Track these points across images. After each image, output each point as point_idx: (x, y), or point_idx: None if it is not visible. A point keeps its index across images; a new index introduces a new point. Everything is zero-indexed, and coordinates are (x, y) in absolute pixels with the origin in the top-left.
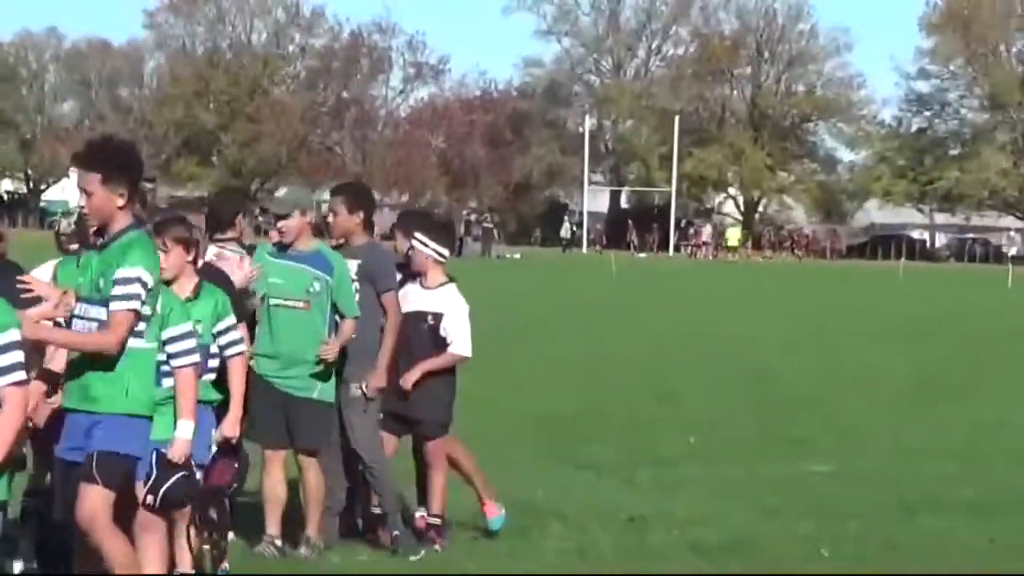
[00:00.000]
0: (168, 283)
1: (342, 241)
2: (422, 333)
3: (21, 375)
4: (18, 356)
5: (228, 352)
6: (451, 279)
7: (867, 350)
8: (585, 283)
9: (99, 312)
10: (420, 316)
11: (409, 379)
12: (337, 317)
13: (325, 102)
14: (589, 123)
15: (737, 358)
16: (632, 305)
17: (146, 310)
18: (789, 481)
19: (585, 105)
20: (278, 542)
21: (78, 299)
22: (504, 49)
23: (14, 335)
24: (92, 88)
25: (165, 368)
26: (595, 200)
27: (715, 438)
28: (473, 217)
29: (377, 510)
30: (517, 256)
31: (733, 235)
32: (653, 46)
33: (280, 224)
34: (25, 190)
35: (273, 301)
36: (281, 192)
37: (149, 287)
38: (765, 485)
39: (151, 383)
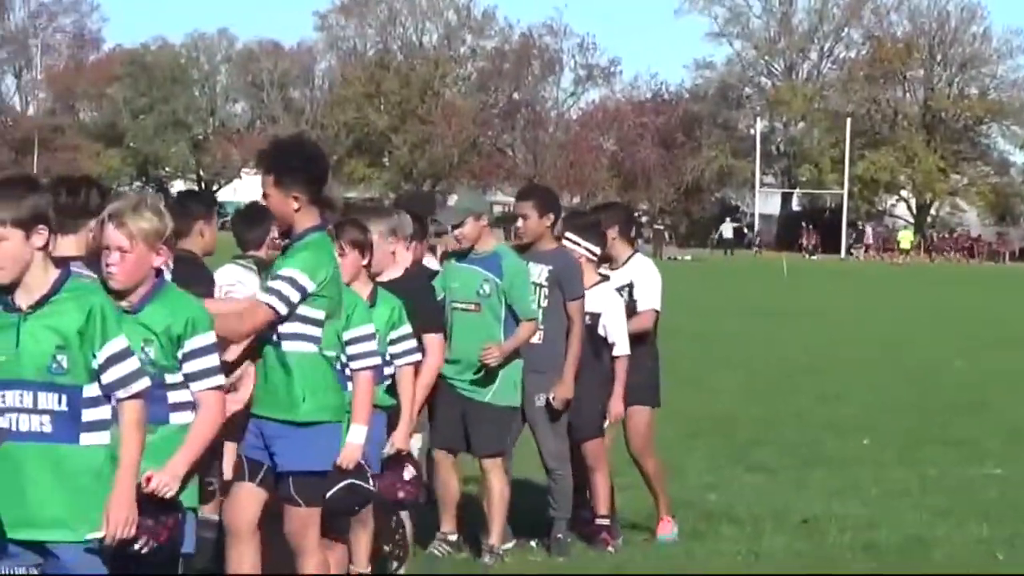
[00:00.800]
0: None
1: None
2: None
3: (220, 379)
4: (214, 360)
5: (400, 361)
6: (605, 278)
7: None
8: (756, 285)
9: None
10: None
11: (618, 412)
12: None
13: (496, 104)
14: (761, 125)
15: (907, 360)
16: (803, 307)
17: (316, 314)
18: (960, 483)
19: (757, 107)
20: (452, 537)
21: None
22: (675, 51)
23: (211, 337)
24: (263, 89)
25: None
26: (766, 202)
27: (885, 439)
28: (644, 219)
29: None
30: (688, 258)
31: (905, 237)
32: (825, 48)
33: (456, 233)
34: (197, 191)
35: (452, 305)
36: (451, 201)
37: (308, 291)
38: (936, 487)
39: (330, 389)
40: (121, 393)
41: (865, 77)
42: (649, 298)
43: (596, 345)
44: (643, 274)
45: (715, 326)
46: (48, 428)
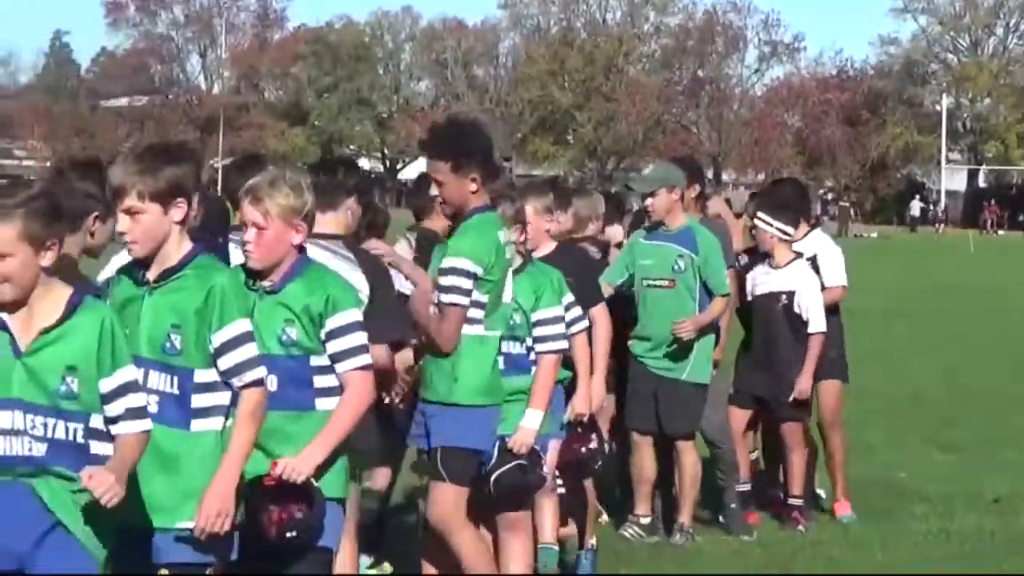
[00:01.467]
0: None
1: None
2: (776, 313)
3: (366, 359)
4: (359, 339)
5: (571, 330)
6: (799, 255)
7: None
8: (943, 262)
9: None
10: (773, 297)
11: (805, 388)
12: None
13: (680, 81)
14: (946, 101)
15: None
16: (991, 284)
17: (480, 296)
18: None
19: (942, 83)
20: (645, 520)
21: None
22: (860, 27)
23: (355, 315)
24: (447, 67)
25: (531, 356)
26: (952, 179)
27: None
28: (830, 196)
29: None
30: (874, 235)
31: None
32: (1011, 23)
33: (647, 202)
34: (381, 169)
35: (645, 282)
36: (647, 170)
37: (478, 275)
38: None
39: (488, 372)
40: (236, 381)
41: None
42: (835, 274)
43: (795, 324)
44: (825, 249)
45: (903, 303)
46: (154, 408)
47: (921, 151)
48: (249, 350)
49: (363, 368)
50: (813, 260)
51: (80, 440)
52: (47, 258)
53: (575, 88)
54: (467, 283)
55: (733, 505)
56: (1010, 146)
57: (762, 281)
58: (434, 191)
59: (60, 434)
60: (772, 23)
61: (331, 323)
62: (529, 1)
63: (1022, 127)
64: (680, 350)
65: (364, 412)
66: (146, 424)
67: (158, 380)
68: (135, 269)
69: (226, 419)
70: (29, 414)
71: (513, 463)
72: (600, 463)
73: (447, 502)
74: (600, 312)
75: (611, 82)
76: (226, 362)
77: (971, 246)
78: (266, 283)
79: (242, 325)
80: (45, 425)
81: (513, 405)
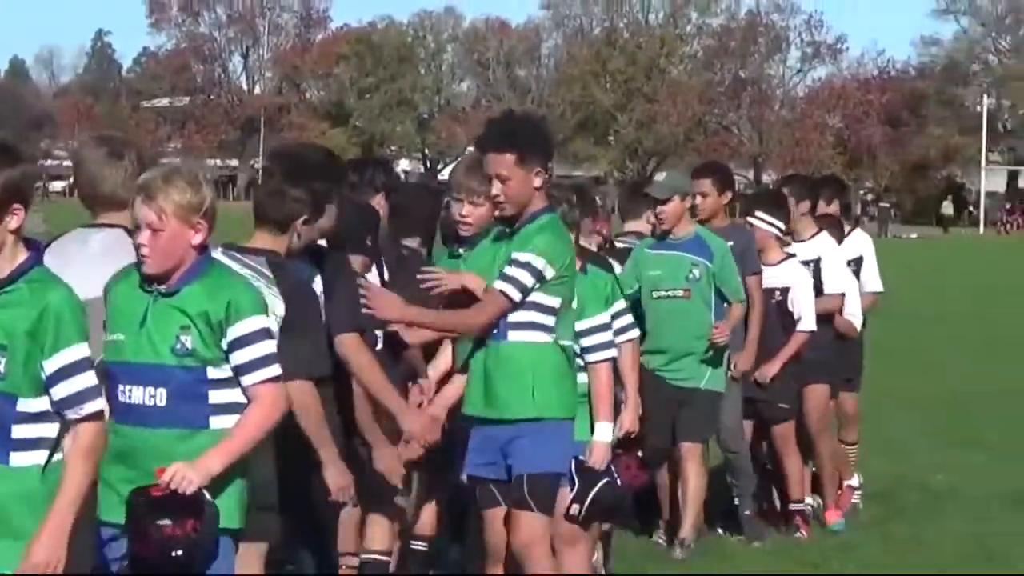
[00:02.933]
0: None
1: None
2: (770, 310)
3: (275, 370)
4: (267, 347)
5: (619, 339)
6: (791, 255)
7: None
8: (980, 263)
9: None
10: (767, 293)
11: (768, 372)
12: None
13: (722, 82)
14: (987, 102)
15: None
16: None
17: (551, 301)
18: None
19: (983, 84)
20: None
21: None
22: (901, 28)
23: (263, 322)
24: (489, 68)
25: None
26: (992, 180)
27: None
28: (870, 197)
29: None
30: (914, 236)
31: None
32: None
33: (659, 209)
34: (422, 169)
35: (654, 294)
36: (661, 176)
37: (546, 277)
38: None
39: (565, 382)
40: (72, 413)
41: None
42: (837, 282)
43: (787, 321)
44: (830, 255)
45: (940, 305)
46: None
47: (961, 152)
48: (88, 378)
49: (272, 380)
50: (816, 261)
51: None
52: None
53: (617, 89)
54: (529, 280)
55: (747, 512)
56: None
57: None
58: (495, 189)
59: None
60: (815, 24)
61: (233, 331)
62: (571, 1)
63: None
64: (705, 360)
65: (270, 430)
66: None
67: None
68: None
69: (51, 454)
70: None
71: (603, 482)
72: (647, 481)
73: (533, 532)
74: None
75: (653, 83)
76: (61, 391)
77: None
78: (162, 287)
79: (80, 350)
80: None
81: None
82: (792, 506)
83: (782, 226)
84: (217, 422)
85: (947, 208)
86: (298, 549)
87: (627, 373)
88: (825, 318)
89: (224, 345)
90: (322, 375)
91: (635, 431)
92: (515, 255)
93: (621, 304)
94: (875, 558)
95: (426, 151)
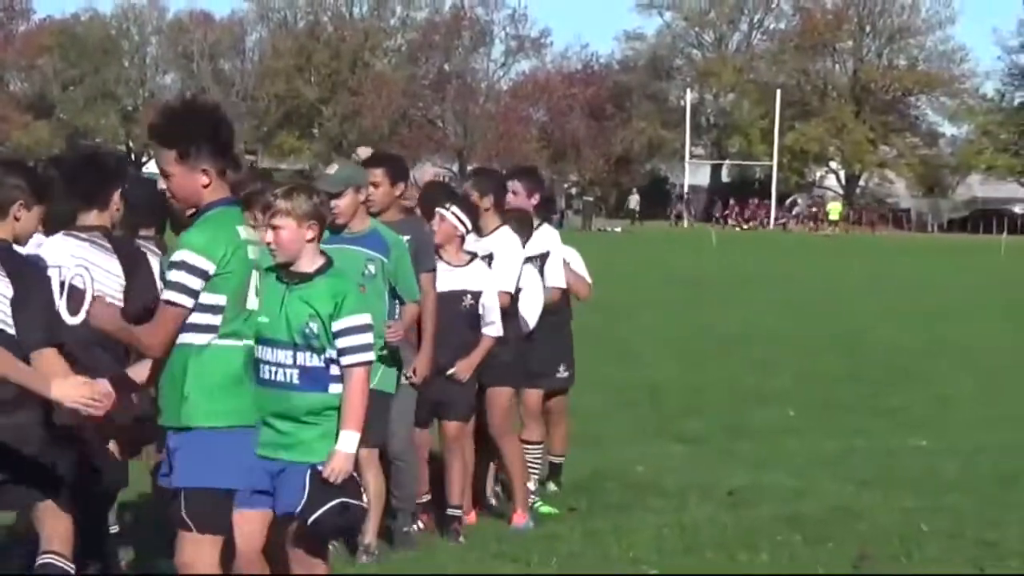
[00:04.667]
0: (286, 266)
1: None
2: (461, 314)
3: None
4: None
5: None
6: (474, 255)
7: (966, 325)
8: (685, 256)
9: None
10: (456, 296)
11: (464, 373)
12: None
13: (427, 75)
14: (691, 96)
15: (835, 330)
16: (732, 278)
17: (214, 299)
18: (887, 453)
19: (687, 79)
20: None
21: None
22: (605, 22)
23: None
24: (194, 60)
25: (334, 371)
26: (696, 174)
27: (812, 410)
28: (574, 191)
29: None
30: (618, 230)
31: (835, 209)
32: (755, 20)
33: (332, 204)
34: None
35: None
36: (331, 169)
37: (209, 273)
38: (863, 458)
39: (230, 386)
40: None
41: (795, 48)
42: (506, 279)
43: (477, 326)
44: (505, 250)
45: (642, 296)
46: None
47: (665, 146)
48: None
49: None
50: (489, 257)
51: None
52: None
53: (321, 82)
54: (188, 279)
55: (405, 529)
56: (753, 141)
57: (443, 279)
58: (161, 184)
59: None
60: (519, 18)
61: None
62: None
63: (765, 123)
64: (378, 358)
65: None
66: None
67: None
68: None
69: None
70: None
71: (333, 502)
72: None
73: (196, 553)
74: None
75: (357, 76)
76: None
77: (713, 239)
78: None
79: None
80: None
81: (311, 428)
82: (450, 511)
83: (469, 225)
84: None
85: (633, 202)
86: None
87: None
88: (507, 317)
89: None
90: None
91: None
92: (172, 257)
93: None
94: (579, 550)
95: (131, 144)
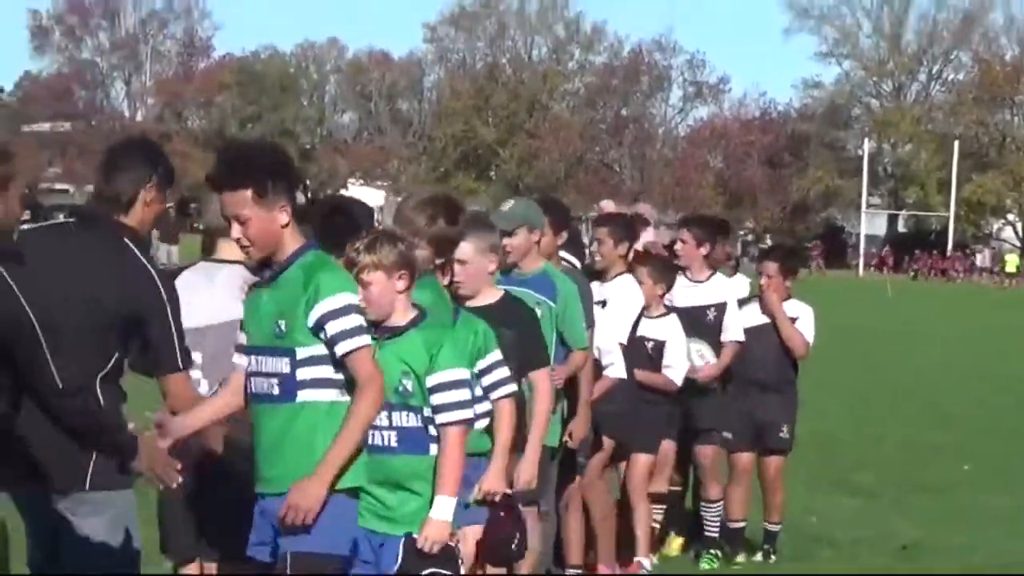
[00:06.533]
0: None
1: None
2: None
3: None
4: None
5: (494, 394)
6: (670, 310)
7: None
8: (861, 306)
9: (280, 364)
10: (641, 342)
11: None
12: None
13: (604, 119)
14: (868, 146)
15: (1013, 385)
16: (908, 329)
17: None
18: None
19: (865, 128)
20: None
21: (249, 351)
22: (784, 70)
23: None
24: (372, 100)
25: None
26: (872, 223)
27: (988, 466)
28: (750, 238)
29: None
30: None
31: (1011, 261)
32: (934, 70)
33: (505, 241)
34: (303, 200)
35: None
36: (506, 206)
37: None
38: None
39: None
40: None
41: (973, 100)
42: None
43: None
44: (621, 298)
45: (816, 347)
46: None
47: (842, 195)
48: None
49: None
50: (603, 303)
51: None
52: None
53: (499, 124)
54: (363, 320)
55: None
56: (930, 192)
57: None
58: (235, 232)
59: None
60: (697, 63)
61: None
62: (455, 36)
63: (942, 173)
64: None
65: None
66: None
67: None
68: None
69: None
70: None
71: (429, 571)
72: (523, 545)
73: None
74: (540, 378)
75: (535, 119)
76: None
77: (889, 290)
78: None
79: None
80: None
81: (412, 498)
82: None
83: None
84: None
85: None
86: None
87: (499, 429)
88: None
89: None
90: None
91: (498, 492)
92: (326, 304)
93: (495, 356)
94: None
95: (307, 182)
